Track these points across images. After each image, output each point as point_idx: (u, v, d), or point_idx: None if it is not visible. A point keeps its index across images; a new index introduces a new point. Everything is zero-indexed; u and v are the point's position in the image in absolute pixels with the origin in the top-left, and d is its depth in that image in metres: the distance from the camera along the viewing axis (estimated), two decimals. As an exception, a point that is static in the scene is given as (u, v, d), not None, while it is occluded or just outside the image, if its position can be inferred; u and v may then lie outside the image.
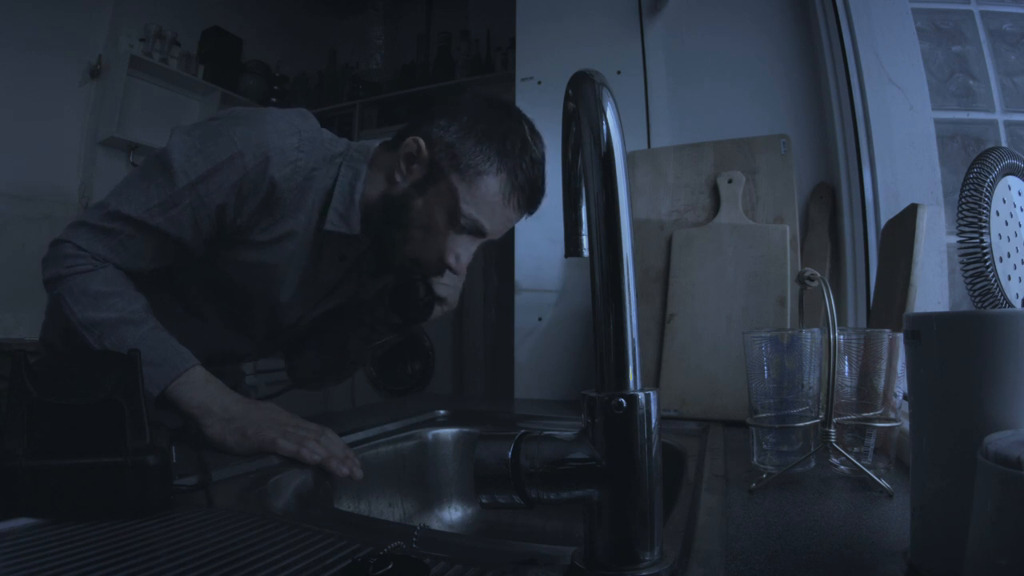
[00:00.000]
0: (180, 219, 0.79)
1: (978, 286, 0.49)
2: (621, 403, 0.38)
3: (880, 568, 0.42)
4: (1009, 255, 0.50)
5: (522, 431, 0.41)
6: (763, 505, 0.56)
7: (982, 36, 1.21)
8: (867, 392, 0.67)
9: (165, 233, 0.79)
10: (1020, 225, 0.52)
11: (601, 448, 0.39)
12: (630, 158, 1.25)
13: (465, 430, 1.03)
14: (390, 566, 0.40)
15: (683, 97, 1.39)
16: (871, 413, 0.66)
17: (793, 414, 0.68)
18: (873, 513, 0.54)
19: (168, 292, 0.91)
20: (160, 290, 0.88)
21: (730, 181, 1.17)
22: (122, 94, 2.78)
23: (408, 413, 1.06)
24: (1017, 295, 0.50)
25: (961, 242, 0.49)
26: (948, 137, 1.18)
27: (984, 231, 0.49)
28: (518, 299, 1.41)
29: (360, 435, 0.91)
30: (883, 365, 0.66)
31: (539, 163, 0.84)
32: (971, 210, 0.49)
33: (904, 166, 1.14)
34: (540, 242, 1.39)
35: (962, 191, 0.50)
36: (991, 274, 0.48)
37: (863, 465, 0.62)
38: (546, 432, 0.42)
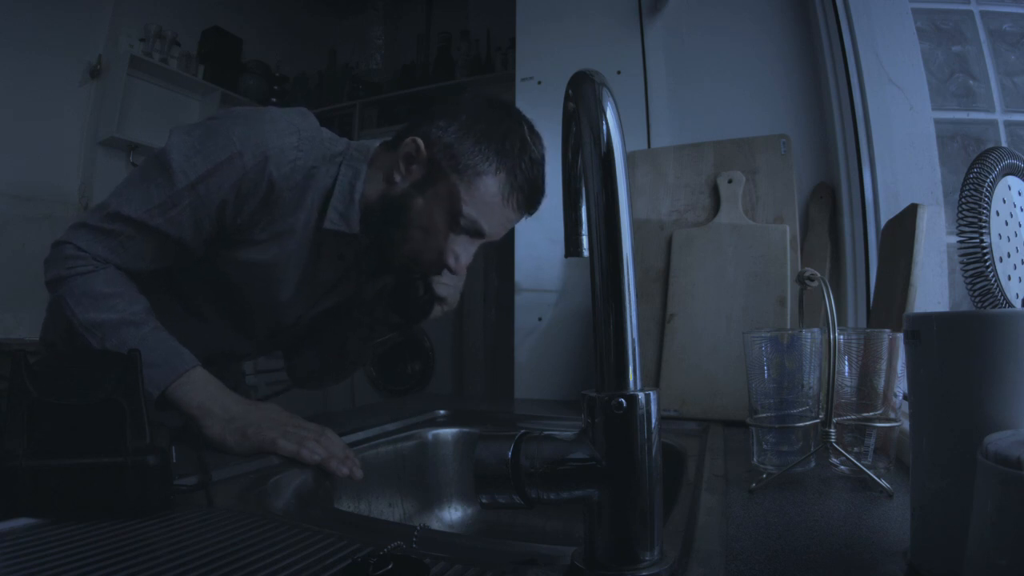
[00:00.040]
0: (180, 219, 0.79)
1: (978, 286, 0.49)
2: (621, 403, 0.38)
3: (880, 568, 0.42)
4: (1009, 255, 0.50)
5: (522, 431, 0.41)
6: (763, 505, 0.56)
7: (982, 36, 1.21)
8: (867, 392, 0.67)
9: (165, 233, 0.79)
10: (1020, 225, 0.52)
11: (601, 448, 0.39)
12: (630, 158, 1.25)
13: (465, 430, 1.03)
14: (390, 566, 0.40)
15: (683, 97, 1.39)
16: (871, 413, 0.66)
17: (793, 414, 0.68)
18: (873, 513, 0.54)
19: (168, 292, 0.91)
20: (160, 290, 0.89)
21: (730, 181, 1.17)
22: (122, 94, 2.78)
23: (408, 413, 1.06)
24: (1017, 295, 0.50)
25: (961, 242, 0.49)
26: (948, 137, 1.18)
27: (984, 231, 0.49)
28: (518, 299, 1.41)
29: (360, 435, 0.91)
30: (883, 365, 0.66)
31: (538, 163, 0.84)
32: (971, 210, 0.49)
33: (904, 166, 1.14)
34: (540, 242, 1.39)
35: (962, 191, 0.50)
36: (991, 274, 0.48)
37: (863, 465, 0.62)
38: (546, 432, 0.42)
